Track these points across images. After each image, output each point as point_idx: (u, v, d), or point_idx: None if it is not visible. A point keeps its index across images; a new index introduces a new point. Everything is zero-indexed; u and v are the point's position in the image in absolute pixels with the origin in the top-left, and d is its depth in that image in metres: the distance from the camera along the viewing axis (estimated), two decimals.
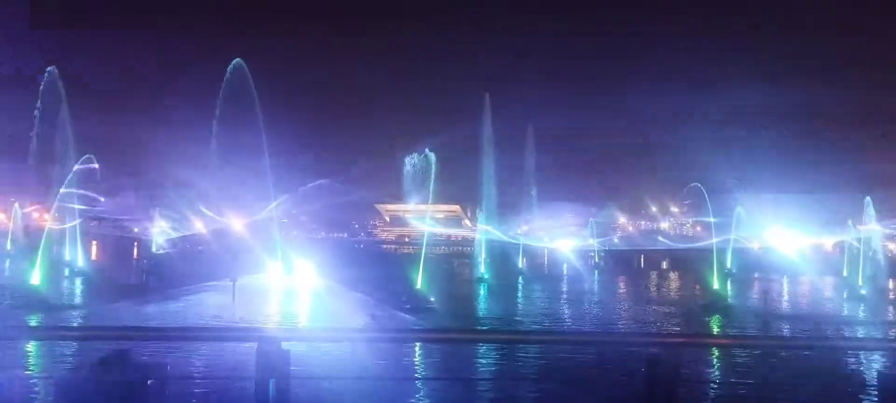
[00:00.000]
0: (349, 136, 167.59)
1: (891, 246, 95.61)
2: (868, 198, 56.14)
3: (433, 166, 52.65)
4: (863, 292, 41.98)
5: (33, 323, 25.29)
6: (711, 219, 57.36)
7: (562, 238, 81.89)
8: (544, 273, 60.10)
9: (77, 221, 51.72)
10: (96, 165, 51.33)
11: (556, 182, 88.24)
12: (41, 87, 51.85)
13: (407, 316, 27.95)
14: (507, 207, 78.89)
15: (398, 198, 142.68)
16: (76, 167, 47.97)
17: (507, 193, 76.58)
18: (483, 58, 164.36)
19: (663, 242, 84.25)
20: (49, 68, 52.48)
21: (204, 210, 71.78)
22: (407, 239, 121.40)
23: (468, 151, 71.58)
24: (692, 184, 66.06)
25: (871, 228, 53.35)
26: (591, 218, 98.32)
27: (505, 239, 71.90)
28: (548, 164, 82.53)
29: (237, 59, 50.26)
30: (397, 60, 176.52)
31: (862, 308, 37.50)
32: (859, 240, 54.40)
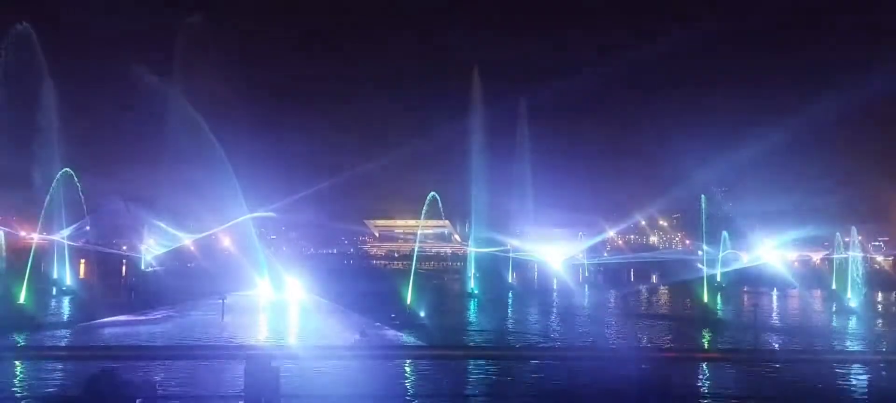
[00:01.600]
0: (335, 143, 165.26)
1: (878, 258, 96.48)
2: (854, 228, 56.99)
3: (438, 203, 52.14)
4: (852, 305, 42.06)
5: (21, 342, 25.08)
6: (704, 247, 57.29)
7: (552, 252, 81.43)
8: (534, 287, 59.79)
9: (65, 239, 51.23)
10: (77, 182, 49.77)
11: (547, 194, 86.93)
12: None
13: (397, 332, 27.85)
14: (497, 220, 77.62)
15: (386, 211, 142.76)
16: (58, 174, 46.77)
17: (497, 206, 75.15)
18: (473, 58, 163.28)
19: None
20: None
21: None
22: (396, 255, 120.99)
23: (458, 163, 69.81)
24: (702, 195, 65.53)
25: (856, 253, 53.93)
26: (580, 232, 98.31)
27: (494, 251, 71.31)
28: (540, 172, 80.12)
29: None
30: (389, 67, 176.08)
31: (852, 320, 37.58)
32: (847, 250, 54.83)
